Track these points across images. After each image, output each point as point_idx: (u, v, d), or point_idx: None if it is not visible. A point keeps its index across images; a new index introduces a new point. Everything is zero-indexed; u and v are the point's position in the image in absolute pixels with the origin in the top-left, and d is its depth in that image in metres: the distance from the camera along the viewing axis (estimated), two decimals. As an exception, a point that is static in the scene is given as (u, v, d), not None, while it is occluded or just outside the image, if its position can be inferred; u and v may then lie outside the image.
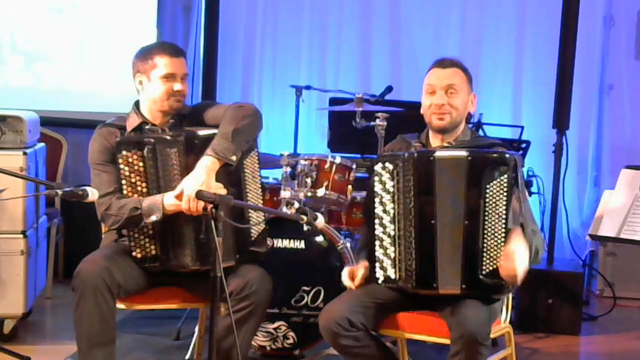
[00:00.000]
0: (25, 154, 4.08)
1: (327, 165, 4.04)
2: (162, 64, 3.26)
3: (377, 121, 4.05)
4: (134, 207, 3.14)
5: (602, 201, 3.46)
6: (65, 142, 5.29)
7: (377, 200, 3.08)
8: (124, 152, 3.18)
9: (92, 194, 2.88)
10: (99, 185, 3.20)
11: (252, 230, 3.29)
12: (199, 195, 2.87)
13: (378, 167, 3.09)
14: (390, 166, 3.05)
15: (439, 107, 3.13)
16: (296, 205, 3.81)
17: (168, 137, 3.20)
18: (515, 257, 2.85)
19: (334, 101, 5.16)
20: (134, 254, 3.20)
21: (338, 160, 4.06)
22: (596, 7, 5.57)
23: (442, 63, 3.19)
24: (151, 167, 3.18)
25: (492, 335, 2.99)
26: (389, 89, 4.63)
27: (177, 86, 3.27)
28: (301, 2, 5.91)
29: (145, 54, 3.31)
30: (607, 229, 3.36)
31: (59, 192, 2.82)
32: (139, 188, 3.19)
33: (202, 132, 3.24)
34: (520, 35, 5.71)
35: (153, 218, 3.12)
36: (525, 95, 5.73)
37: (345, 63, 5.88)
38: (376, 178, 3.08)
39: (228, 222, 2.90)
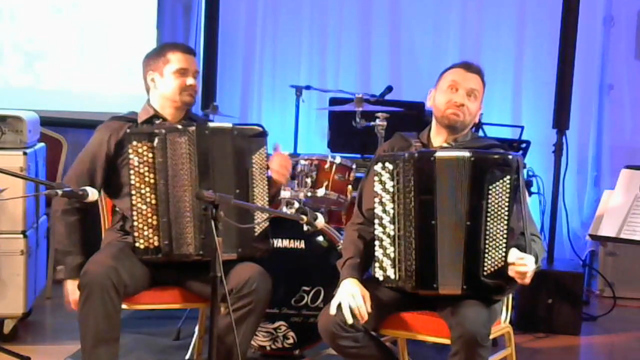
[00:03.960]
0: (25, 154, 4.08)
1: (327, 165, 4.04)
2: (175, 59, 3.35)
3: (377, 121, 4.06)
4: (63, 251, 3.30)
5: (602, 201, 3.46)
6: (65, 142, 5.28)
7: (376, 200, 3.07)
8: (135, 142, 3.22)
9: (92, 194, 2.88)
10: (78, 165, 3.35)
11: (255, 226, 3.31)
12: (199, 195, 2.86)
13: (378, 167, 3.07)
14: (390, 166, 3.04)
15: (458, 106, 3.11)
16: (296, 205, 3.82)
17: (179, 127, 3.26)
18: (524, 262, 2.87)
19: (334, 101, 5.16)
20: (136, 244, 3.22)
21: (338, 160, 4.06)
22: (596, 7, 5.57)
23: (469, 67, 3.17)
24: (160, 158, 3.21)
25: (492, 336, 2.99)
26: (389, 89, 4.63)
27: (190, 80, 3.35)
28: (301, 2, 5.91)
29: (157, 52, 3.42)
30: (607, 229, 3.35)
31: (59, 192, 2.82)
32: (147, 179, 3.22)
33: (213, 123, 3.32)
34: (520, 35, 5.72)
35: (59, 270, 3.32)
36: (525, 95, 5.73)
37: (345, 63, 5.88)
38: (376, 178, 3.07)
39: (230, 221, 2.91)
